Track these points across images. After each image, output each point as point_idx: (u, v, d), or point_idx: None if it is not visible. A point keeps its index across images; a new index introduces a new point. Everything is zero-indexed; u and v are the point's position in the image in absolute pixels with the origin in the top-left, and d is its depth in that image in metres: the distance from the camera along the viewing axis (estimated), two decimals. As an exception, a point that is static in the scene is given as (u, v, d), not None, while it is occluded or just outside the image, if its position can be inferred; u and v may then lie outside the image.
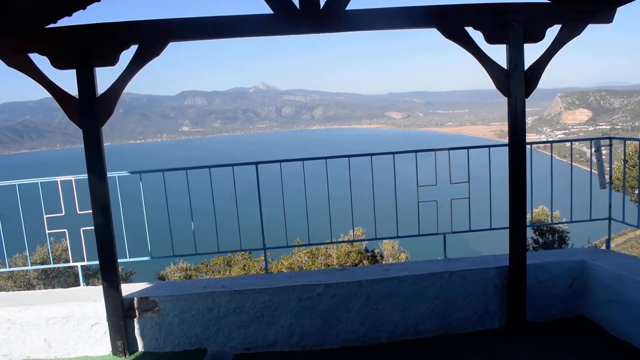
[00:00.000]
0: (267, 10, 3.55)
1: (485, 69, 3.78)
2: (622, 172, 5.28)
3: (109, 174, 3.86)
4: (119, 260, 3.88)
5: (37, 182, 4.22)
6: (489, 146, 4.44)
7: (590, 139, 4.45)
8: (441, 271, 4.04)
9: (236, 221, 4.38)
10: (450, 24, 3.68)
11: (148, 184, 4.38)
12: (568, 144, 4.77)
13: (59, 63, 3.53)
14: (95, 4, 3.48)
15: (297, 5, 3.53)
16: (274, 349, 3.94)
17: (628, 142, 4.54)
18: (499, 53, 3.84)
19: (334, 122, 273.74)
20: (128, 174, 4.30)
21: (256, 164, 4.28)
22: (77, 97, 3.60)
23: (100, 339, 3.89)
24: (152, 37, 3.57)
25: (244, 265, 9.24)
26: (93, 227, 3.74)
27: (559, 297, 4.11)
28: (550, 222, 9.79)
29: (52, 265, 5.48)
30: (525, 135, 3.86)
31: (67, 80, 3.94)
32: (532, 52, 3.77)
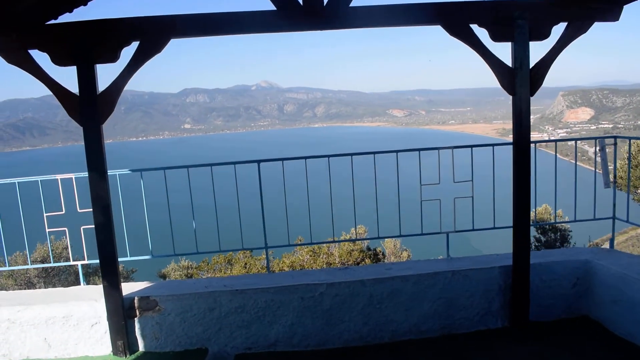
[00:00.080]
0: (270, 6, 3.52)
1: (490, 67, 3.74)
2: (627, 172, 5.24)
3: (110, 172, 3.84)
4: (119, 259, 3.86)
5: (37, 180, 4.20)
6: (493, 145, 4.41)
7: (595, 138, 4.42)
8: (444, 270, 4.01)
9: (238, 219, 4.35)
10: (455, 21, 3.64)
11: (149, 182, 4.36)
12: (569, 142, 4.74)
13: (59, 60, 3.50)
14: (96, 0, 3.44)
15: (300, 1, 3.49)
16: (276, 348, 3.91)
17: (632, 141, 4.50)
18: (503, 51, 3.81)
19: (336, 120, 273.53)
20: (129, 172, 4.27)
21: (258, 162, 4.25)
22: (78, 94, 3.56)
23: (100, 339, 3.87)
24: (153, 33, 3.53)
25: (245, 264, 9.24)
26: (93, 226, 3.71)
27: (563, 297, 4.08)
28: (554, 221, 9.77)
29: (52, 264, 5.45)
30: (529, 134, 3.82)
31: (68, 77, 3.93)
32: (535, 51, 3.73)
